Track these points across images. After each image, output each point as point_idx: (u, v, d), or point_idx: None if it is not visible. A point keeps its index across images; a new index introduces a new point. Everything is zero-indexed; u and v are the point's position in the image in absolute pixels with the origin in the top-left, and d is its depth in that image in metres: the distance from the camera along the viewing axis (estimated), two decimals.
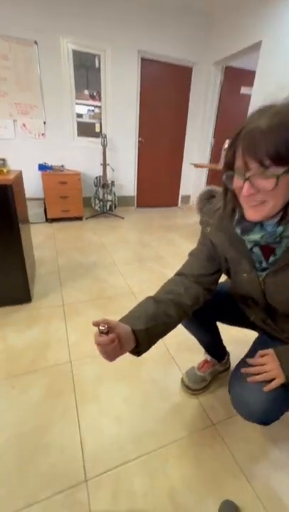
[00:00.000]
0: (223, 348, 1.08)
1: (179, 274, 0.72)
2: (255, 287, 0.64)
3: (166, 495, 0.72)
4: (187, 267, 0.72)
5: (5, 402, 0.95)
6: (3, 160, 1.38)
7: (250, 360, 0.64)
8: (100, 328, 0.50)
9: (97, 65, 3.30)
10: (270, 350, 0.63)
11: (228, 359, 1.12)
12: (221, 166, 2.58)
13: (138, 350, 0.57)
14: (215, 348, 1.04)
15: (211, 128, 3.90)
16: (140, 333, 0.56)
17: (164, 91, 3.63)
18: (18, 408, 0.93)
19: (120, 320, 0.58)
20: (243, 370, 0.64)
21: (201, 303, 0.69)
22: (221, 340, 1.03)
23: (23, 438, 0.84)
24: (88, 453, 0.81)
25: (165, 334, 0.62)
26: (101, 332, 0.50)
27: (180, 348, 1.25)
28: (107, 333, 0.50)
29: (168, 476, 0.76)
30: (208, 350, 1.04)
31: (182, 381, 1.06)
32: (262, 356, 0.63)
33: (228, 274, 0.75)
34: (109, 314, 1.56)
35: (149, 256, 2.31)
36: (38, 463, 0.77)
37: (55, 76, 3.06)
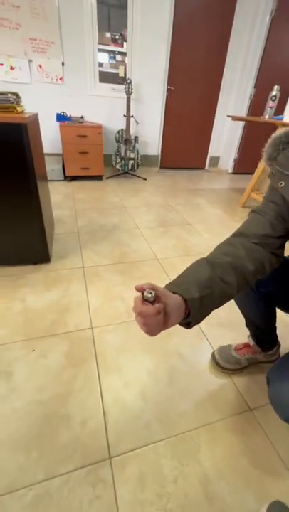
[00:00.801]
0: (275, 336, 0.91)
1: (237, 234, 0.56)
2: None
3: (198, 482, 0.64)
4: (250, 226, 0.56)
5: (24, 365, 0.90)
6: (16, 95, 1.16)
7: None
8: (146, 294, 0.38)
9: None
10: None
11: (278, 351, 0.95)
12: (266, 118, 2.20)
13: (188, 322, 0.46)
14: (264, 335, 0.89)
15: (252, 75, 3.32)
16: (193, 303, 0.43)
17: (201, 26, 3.05)
18: (37, 373, 0.87)
19: (166, 286, 0.45)
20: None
21: (267, 271, 0.54)
22: (274, 328, 0.87)
23: (42, 406, 0.78)
24: (112, 428, 0.74)
25: (221, 305, 0.49)
26: (145, 299, 0.39)
27: (210, 322, 1.13)
28: (153, 302, 0.39)
29: (200, 463, 0.68)
30: (256, 335, 0.90)
31: (212, 356, 0.96)
32: None
33: None
34: (133, 280, 1.46)
35: (174, 221, 2.12)
36: (58, 434, 0.72)
37: (75, 7, 2.61)
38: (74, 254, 1.57)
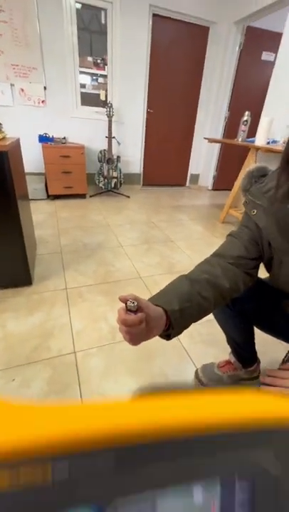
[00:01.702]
0: (254, 353, 0.93)
1: (215, 254, 0.61)
2: None
3: None
4: (226, 248, 0.61)
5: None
6: None
7: (271, 372, 0.54)
8: (128, 304, 0.41)
9: (103, 21, 2.94)
10: None
11: (258, 368, 0.97)
12: (239, 141, 2.35)
13: (169, 333, 0.49)
14: (244, 351, 0.91)
15: (226, 99, 3.57)
16: (174, 314, 0.47)
17: (177, 54, 3.28)
18: None
19: (149, 299, 0.48)
20: (261, 379, 0.53)
21: (241, 289, 0.58)
22: (253, 344, 0.89)
23: None
24: None
25: (199, 319, 0.53)
26: (128, 309, 0.41)
27: (193, 340, 1.14)
28: (136, 311, 0.41)
29: None
30: (236, 351, 0.92)
31: (196, 374, 0.97)
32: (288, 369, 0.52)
33: (267, 264, 0.63)
34: (117, 301, 1.45)
35: (157, 238, 2.17)
36: None
37: (56, 34, 2.74)
38: (57, 275, 1.56)
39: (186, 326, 0.51)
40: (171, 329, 0.48)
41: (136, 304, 0.41)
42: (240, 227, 0.63)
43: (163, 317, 0.46)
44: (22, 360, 1.00)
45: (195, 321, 0.52)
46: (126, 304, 0.41)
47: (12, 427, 0.15)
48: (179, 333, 0.50)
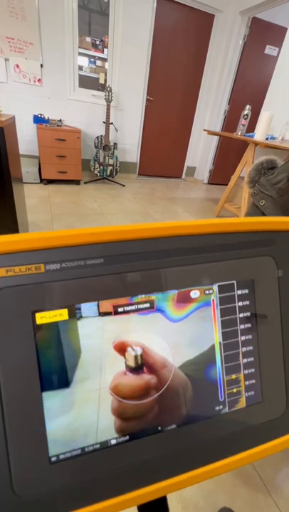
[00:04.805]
0: None
1: None
2: None
3: None
4: None
5: None
6: None
7: None
8: None
9: (105, 1, 2.81)
10: None
11: None
12: (238, 134, 2.34)
13: None
14: None
15: (227, 92, 3.53)
16: None
17: (180, 41, 3.19)
18: None
19: None
20: None
21: None
22: None
23: None
24: None
25: None
26: None
27: None
28: None
29: None
30: None
31: None
32: None
33: None
34: None
35: None
36: None
37: (56, 10, 2.60)
38: None
39: None
40: None
41: None
42: (246, 218, 0.63)
43: None
44: None
45: None
46: None
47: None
48: None
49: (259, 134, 2.14)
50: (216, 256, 0.19)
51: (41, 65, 2.75)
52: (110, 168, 3.12)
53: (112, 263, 0.16)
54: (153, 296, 0.17)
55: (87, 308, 0.16)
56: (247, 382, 0.20)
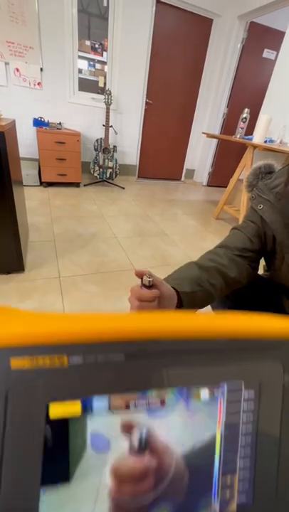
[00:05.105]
0: None
1: (221, 246, 0.63)
2: None
3: None
4: (232, 240, 0.63)
5: None
6: None
7: None
8: (145, 278, 0.41)
9: (105, 3, 2.83)
10: None
11: None
12: (237, 137, 2.36)
13: None
14: None
15: (225, 95, 3.55)
16: (185, 296, 0.47)
17: (179, 45, 3.21)
18: None
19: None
20: None
21: (244, 281, 0.60)
22: None
23: None
24: None
25: (204, 305, 0.54)
26: (144, 284, 0.41)
27: None
28: (150, 287, 0.42)
29: None
30: None
31: None
32: None
33: (269, 259, 0.64)
34: (111, 291, 1.46)
35: (151, 231, 2.16)
36: None
37: (55, 14, 2.62)
38: (50, 263, 1.54)
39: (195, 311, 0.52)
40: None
41: (152, 279, 0.41)
42: (245, 221, 0.64)
43: (175, 298, 0.46)
44: None
45: (201, 307, 0.53)
46: (142, 278, 0.41)
47: (28, 323, 0.16)
48: None
49: (258, 137, 2.16)
50: (227, 357, 0.19)
51: (41, 69, 2.77)
52: (110, 170, 3.13)
53: (133, 359, 0.17)
54: (165, 393, 0.18)
55: (99, 402, 0.16)
56: (240, 487, 0.19)
